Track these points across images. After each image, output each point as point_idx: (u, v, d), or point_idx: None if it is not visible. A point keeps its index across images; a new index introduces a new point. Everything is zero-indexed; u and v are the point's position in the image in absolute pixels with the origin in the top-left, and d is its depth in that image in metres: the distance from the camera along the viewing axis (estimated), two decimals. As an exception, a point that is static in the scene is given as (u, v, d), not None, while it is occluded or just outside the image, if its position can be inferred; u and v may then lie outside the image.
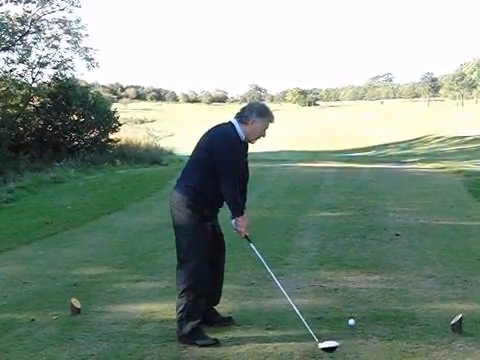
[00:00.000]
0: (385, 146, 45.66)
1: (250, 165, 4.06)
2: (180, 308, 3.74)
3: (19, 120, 22.33)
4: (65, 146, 22.36)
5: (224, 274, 4.10)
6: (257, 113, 3.82)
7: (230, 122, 3.87)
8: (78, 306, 4.41)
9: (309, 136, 52.07)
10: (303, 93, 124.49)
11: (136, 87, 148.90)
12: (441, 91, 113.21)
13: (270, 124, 3.91)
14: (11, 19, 21.79)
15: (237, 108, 4.15)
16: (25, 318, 4.36)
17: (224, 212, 4.00)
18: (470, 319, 4.01)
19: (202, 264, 3.73)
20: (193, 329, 3.68)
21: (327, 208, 9.40)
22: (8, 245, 7.54)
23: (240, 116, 3.85)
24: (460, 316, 3.84)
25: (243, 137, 3.82)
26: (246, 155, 3.99)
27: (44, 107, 22.57)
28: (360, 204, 9.70)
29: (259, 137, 3.88)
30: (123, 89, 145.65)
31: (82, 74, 35.65)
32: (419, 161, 25.75)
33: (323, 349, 3.53)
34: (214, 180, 3.72)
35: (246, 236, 3.86)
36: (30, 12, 22.09)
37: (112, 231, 8.16)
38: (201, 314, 3.74)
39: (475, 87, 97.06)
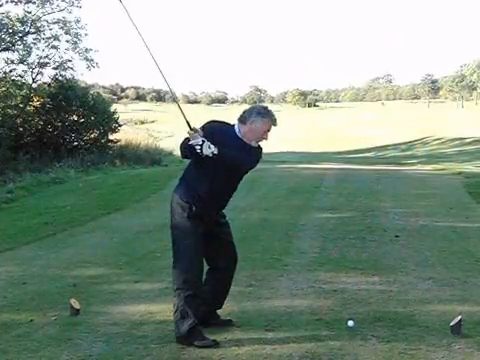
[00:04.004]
0: (385, 147, 45.68)
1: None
2: (175, 308, 3.74)
3: (19, 120, 22.35)
4: (65, 147, 22.39)
5: (231, 284, 4.05)
6: (257, 113, 3.79)
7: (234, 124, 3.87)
8: (77, 307, 4.40)
9: (309, 137, 52.10)
10: (303, 94, 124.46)
11: (136, 88, 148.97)
12: (441, 92, 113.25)
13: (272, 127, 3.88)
14: (11, 19, 21.82)
15: (237, 109, 4.13)
16: (24, 318, 4.35)
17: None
18: (469, 321, 4.01)
19: (191, 264, 3.71)
20: (190, 329, 3.67)
21: (327, 209, 9.41)
22: (7, 245, 7.54)
23: (241, 117, 3.84)
24: (459, 318, 3.83)
25: (239, 133, 3.79)
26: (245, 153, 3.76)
27: (44, 107, 22.59)
28: (360, 205, 9.71)
29: (260, 139, 3.82)
30: (123, 90, 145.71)
31: (82, 74, 35.63)
32: (419, 163, 25.77)
33: None
34: (205, 174, 3.71)
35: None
36: (30, 12, 22.13)
37: (111, 232, 8.16)
38: (196, 314, 3.70)
39: (475, 89, 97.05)
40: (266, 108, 3.91)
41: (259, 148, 3.88)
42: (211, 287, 3.92)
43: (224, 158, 3.63)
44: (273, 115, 3.85)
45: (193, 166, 3.84)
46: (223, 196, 3.87)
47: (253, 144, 3.81)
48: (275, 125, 3.86)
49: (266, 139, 3.84)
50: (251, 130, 3.77)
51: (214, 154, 3.56)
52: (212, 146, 3.55)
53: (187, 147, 3.69)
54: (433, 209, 9.36)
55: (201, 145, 3.56)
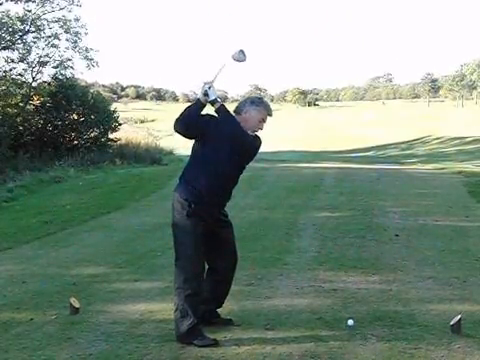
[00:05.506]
0: (385, 146, 45.68)
1: (249, 165, 3.99)
2: (175, 307, 3.74)
3: (19, 119, 22.35)
4: (65, 145, 22.40)
5: (231, 284, 4.03)
6: (251, 103, 3.82)
7: None
8: (77, 306, 4.40)
9: (309, 136, 52.08)
10: (303, 93, 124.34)
11: (136, 87, 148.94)
12: (441, 92, 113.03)
13: (270, 122, 3.87)
14: (11, 18, 21.83)
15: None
16: (24, 317, 4.35)
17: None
18: (469, 320, 4.01)
19: (191, 263, 3.70)
20: (190, 329, 3.66)
21: (327, 208, 9.40)
22: (7, 244, 7.54)
23: (236, 108, 3.86)
24: (459, 317, 3.83)
25: None
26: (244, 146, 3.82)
27: (44, 106, 22.59)
28: (360, 204, 9.70)
29: (255, 129, 3.80)
30: (123, 89, 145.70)
31: (82, 73, 35.83)
32: (419, 162, 25.78)
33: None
34: (205, 171, 3.70)
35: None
36: (30, 11, 22.15)
37: (111, 231, 8.16)
38: (197, 313, 3.69)
39: (475, 88, 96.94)
40: (260, 98, 3.94)
41: (257, 137, 3.86)
42: (211, 287, 3.91)
43: (227, 116, 3.74)
44: (268, 105, 3.87)
45: (192, 165, 3.83)
46: (224, 192, 3.84)
47: (249, 133, 3.80)
48: (270, 115, 3.87)
49: (261, 129, 3.84)
50: (246, 120, 3.78)
51: (218, 100, 3.71)
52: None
53: (184, 118, 3.70)
54: (433, 208, 9.36)
55: (210, 85, 3.71)
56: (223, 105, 3.77)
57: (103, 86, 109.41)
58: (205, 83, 3.74)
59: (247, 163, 3.89)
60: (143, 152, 23.59)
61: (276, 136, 39.97)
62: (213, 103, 3.75)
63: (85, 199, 11.62)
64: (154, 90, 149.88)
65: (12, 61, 22.26)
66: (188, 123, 3.73)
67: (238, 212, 8.50)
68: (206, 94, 3.72)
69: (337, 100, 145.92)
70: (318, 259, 6.04)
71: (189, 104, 3.90)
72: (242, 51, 3.83)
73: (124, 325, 4.09)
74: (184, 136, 3.79)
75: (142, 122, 73.02)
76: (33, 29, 22.43)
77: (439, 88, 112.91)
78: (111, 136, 23.99)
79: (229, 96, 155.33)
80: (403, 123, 61.52)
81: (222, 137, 3.70)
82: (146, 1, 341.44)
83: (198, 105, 3.77)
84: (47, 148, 21.70)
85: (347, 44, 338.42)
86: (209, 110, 3.82)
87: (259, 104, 3.82)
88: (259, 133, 3.88)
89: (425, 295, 4.73)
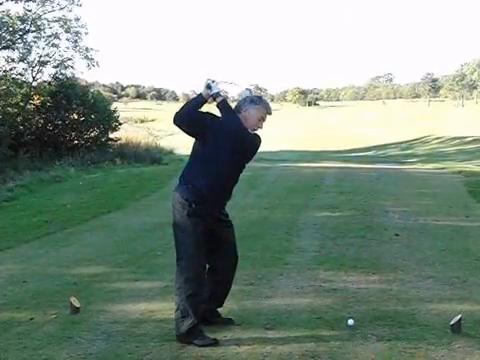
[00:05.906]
0: (385, 146, 45.66)
1: (250, 165, 3.99)
2: (176, 306, 3.74)
3: (19, 119, 22.33)
4: (65, 145, 22.40)
5: (231, 284, 4.03)
6: (250, 101, 3.84)
7: None
8: (77, 305, 4.40)
9: (309, 136, 52.06)
10: (303, 93, 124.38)
11: (136, 86, 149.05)
12: (441, 91, 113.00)
13: (270, 122, 3.88)
14: (11, 18, 21.84)
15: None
16: (24, 317, 4.35)
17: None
18: (469, 319, 4.00)
19: (192, 262, 3.69)
20: (190, 329, 3.66)
21: (327, 208, 9.40)
22: (8, 244, 7.55)
23: (235, 107, 3.88)
24: (459, 316, 3.83)
25: None
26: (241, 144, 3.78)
27: (44, 106, 22.58)
28: (360, 204, 9.70)
29: (255, 128, 3.81)
30: (123, 88, 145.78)
31: (82, 73, 35.92)
32: (419, 161, 25.77)
33: None
34: (204, 169, 3.70)
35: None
36: (30, 11, 22.16)
37: (112, 230, 8.16)
38: (197, 313, 3.69)
39: (475, 88, 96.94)
40: (260, 97, 3.95)
41: (257, 136, 3.87)
42: (211, 287, 3.91)
43: (230, 114, 3.74)
44: (267, 103, 3.89)
45: (193, 164, 3.83)
46: (225, 191, 3.83)
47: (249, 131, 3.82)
48: (269, 113, 3.89)
49: (261, 128, 3.85)
50: (245, 118, 3.79)
51: (220, 94, 3.72)
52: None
53: (184, 115, 3.69)
54: (433, 208, 9.36)
55: (214, 80, 3.72)
56: (225, 100, 3.77)
57: (103, 86, 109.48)
58: (208, 79, 3.74)
59: (247, 162, 3.88)
60: (143, 152, 23.58)
61: (276, 136, 39.99)
62: (215, 97, 3.74)
63: (85, 199, 11.62)
64: (154, 90, 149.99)
65: (12, 61, 22.27)
66: (187, 120, 3.73)
67: (238, 212, 8.51)
68: (209, 87, 3.72)
69: (337, 100, 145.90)
70: (318, 259, 6.05)
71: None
72: (250, 90, 3.86)
73: (124, 325, 4.09)
74: (183, 130, 3.80)
75: (142, 122, 72.99)
76: (33, 29, 22.43)
77: (439, 88, 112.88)
78: (111, 136, 23.99)
79: (229, 96, 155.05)
80: (403, 123, 61.49)
81: (224, 136, 3.70)
82: (146, 1, 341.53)
83: (198, 100, 3.76)
84: (47, 148, 21.71)
85: (347, 44, 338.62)
86: (211, 108, 3.82)
87: (258, 103, 3.84)
88: (259, 132, 3.89)
89: (425, 295, 4.73)
